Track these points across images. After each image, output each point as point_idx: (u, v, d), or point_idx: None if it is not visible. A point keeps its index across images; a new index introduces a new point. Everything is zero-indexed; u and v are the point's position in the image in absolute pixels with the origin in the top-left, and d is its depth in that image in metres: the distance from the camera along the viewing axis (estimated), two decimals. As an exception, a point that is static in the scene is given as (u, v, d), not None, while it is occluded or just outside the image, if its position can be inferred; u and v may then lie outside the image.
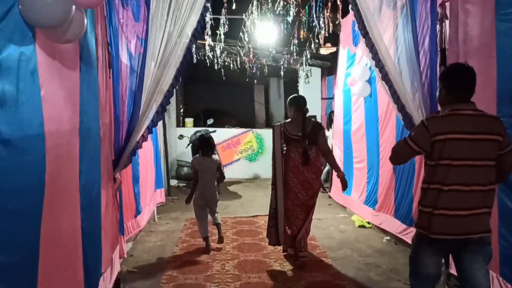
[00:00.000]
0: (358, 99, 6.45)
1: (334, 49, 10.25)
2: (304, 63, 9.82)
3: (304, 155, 4.32)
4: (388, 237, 5.28)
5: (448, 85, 2.48)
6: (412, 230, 3.80)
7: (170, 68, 3.71)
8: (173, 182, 9.36)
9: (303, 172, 4.35)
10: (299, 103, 4.57)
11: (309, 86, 10.48)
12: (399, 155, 2.65)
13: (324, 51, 9.42)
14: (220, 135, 9.96)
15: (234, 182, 9.94)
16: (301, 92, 10.61)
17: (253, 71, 10.37)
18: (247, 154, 10.53)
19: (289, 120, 4.57)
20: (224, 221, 6.30)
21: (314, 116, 9.20)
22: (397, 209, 5.10)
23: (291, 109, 4.56)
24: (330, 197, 8.04)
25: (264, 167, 10.53)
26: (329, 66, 10.63)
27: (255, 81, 15.15)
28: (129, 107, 3.85)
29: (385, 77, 3.74)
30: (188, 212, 6.80)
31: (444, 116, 2.44)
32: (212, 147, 9.09)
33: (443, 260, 2.71)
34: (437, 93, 2.59)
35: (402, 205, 4.97)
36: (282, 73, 10.30)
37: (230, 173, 10.27)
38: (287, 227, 4.44)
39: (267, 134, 10.52)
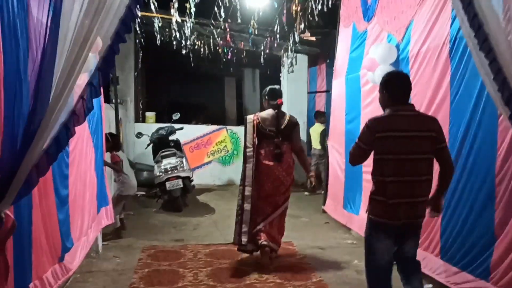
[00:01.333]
0: (373, 90, 4.93)
1: (313, 38, 8.87)
2: (290, 47, 8.26)
3: (275, 151, 4.19)
4: (430, 285, 3.73)
5: (389, 90, 2.82)
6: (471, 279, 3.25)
7: (109, 15, 2.06)
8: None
9: (273, 169, 4.20)
10: (276, 95, 4.40)
11: (294, 77, 8.93)
12: (353, 156, 2.95)
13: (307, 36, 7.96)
14: (187, 133, 8.26)
15: (205, 189, 8.28)
16: (284, 84, 9.06)
17: (228, 57, 8.71)
18: (219, 156, 8.89)
19: (263, 112, 4.38)
20: (195, 250, 4.65)
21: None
22: (444, 246, 3.58)
23: (266, 101, 4.42)
24: (324, 211, 6.53)
25: (240, 172, 8.88)
26: (317, 53, 9.13)
27: (229, 71, 13.71)
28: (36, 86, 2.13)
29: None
30: (146, 236, 5.13)
31: (385, 116, 2.80)
32: (177, 147, 7.48)
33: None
34: (379, 98, 2.92)
35: (453, 239, 3.47)
36: (262, 60, 8.69)
37: (199, 178, 8.61)
38: (251, 226, 4.22)
39: (243, 133, 8.89)
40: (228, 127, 8.97)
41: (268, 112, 4.33)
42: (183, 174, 6.39)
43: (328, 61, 10.21)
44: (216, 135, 8.84)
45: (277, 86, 4.66)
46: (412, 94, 3.97)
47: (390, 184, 2.71)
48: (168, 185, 6.28)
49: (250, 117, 4.38)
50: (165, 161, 6.52)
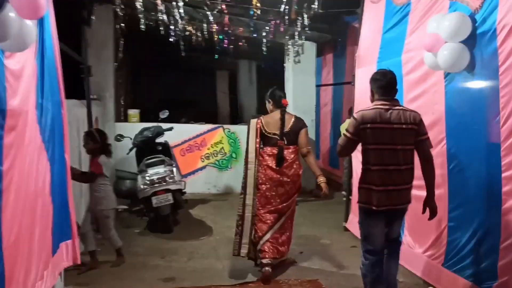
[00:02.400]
0: (426, 78, 3.74)
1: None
2: (298, 34, 7.05)
3: (279, 156, 3.99)
4: None
5: (375, 86, 3.10)
6: None
7: None
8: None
9: (277, 174, 4.01)
10: (280, 96, 4.23)
11: (301, 68, 7.70)
12: (340, 147, 3.15)
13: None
14: (178, 133, 7.00)
15: (199, 200, 7.05)
16: (289, 77, 7.85)
17: (225, 45, 7.47)
18: (215, 160, 7.66)
19: (267, 115, 4.22)
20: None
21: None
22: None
23: (269, 103, 4.26)
24: (346, 229, 5.37)
25: (239, 178, 7.68)
26: (323, 41, 7.94)
27: (222, 63, 12.46)
28: None
29: None
30: (126, 273, 3.91)
31: (370, 109, 3.02)
32: (165, 152, 6.21)
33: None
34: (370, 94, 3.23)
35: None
36: (264, 48, 7.46)
37: (192, 186, 7.38)
38: (253, 236, 4.07)
39: (243, 133, 7.69)
40: (225, 126, 7.72)
41: (272, 116, 4.14)
42: (173, 187, 5.16)
43: (336, 50, 9.09)
44: (211, 136, 7.61)
45: (279, 87, 4.49)
46: (504, 81, 2.80)
47: (374, 172, 2.99)
48: (154, 200, 5.05)
49: (253, 121, 4.23)
50: (151, 171, 5.29)
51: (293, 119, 4.09)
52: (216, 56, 7.69)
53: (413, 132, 2.95)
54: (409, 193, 3.06)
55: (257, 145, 4.11)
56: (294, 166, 4.02)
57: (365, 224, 3.10)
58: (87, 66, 5.12)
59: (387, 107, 2.98)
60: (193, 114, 12.54)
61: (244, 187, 4.11)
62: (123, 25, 6.97)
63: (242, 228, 4.04)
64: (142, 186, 5.16)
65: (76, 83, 5.40)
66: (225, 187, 7.69)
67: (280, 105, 4.13)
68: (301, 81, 7.71)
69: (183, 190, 5.57)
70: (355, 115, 3.06)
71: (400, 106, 3.04)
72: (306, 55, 7.66)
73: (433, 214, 3.06)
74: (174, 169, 5.42)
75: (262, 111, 12.13)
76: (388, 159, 2.94)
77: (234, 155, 7.70)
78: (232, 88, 13.36)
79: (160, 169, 5.29)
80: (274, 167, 3.97)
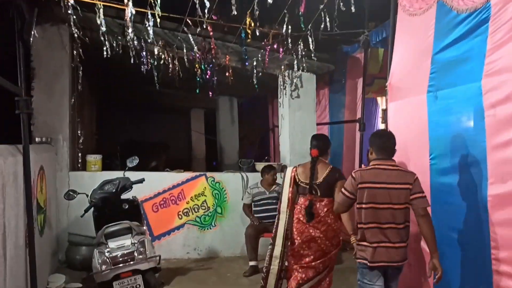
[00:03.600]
0: None
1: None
2: (297, 63, 5.86)
3: (307, 210, 3.73)
4: None
5: (374, 145, 3.20)
6: None
7: None
8: (56, 280, 4.71)
9: (308, 229, 3.77)
10: (311, 144, 3.97)
11: (299, 104, 6.46)
12: (338, 205, 3.28)
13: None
14: (150, 183, 5.50)
15: (175, 270, 5.52)
16: (284, 113, 6.57)
17: (207, 76, 6.17)
18: (196, 217, 6.18)
19: (304, 163, 3.97)
20: None
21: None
22: None
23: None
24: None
25: (226, 238, 6.22)
26: (325, 72, 6.78)
27: (197, 101, 11.20)
28: None
29: None
30: None
31: (367, 169, 3.15)
32: (133, 214, 4.63)
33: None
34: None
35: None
36: (254, 80, 6.21)
37: (167, 250, 5.91)
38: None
39: (230, 182, 6.29)
40: (208, 174, 6.30)
41: (306, 164, 3.92)
42: (144, 266, 3.68)
43: (332, 84, 7.95)
44: (191, 186, 6.16)
45: (322, 135, 4.37)
46: None
47: (369, 230, 3.07)
48: (117, 287, 3.53)
49: (289, 169, 4.02)
50: (112, 244, 3.80)
51: (328, 170, 3.79)
52: (197, 90, 6.32)
53: (408, 191, 3.01)
54: (405, 250, 3.09)
55: (290, 195, 3.88)
56: (328, 221, 3.75)
57: (362, 280, 3.16)
58: (23, 99, 3.65)
59: (383, 166, 3.08)
60: (164, 158, 11.20)
61: (273, 237, 3.96)
62: (80, 50, 5.62)
63: (266, 281, 3.94)
64: (99, 267, 3.64)
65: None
66: (209, 250, 6.19)
67: (317, 153, 3.83)
68: (300, 119, 6.45)
69: (158, 266, 4.08)
70: (353, 174, 3.15)
71: (396, 166, 3.11)
72: (305, 88, 6.44)
73: (435, 271, 2.95)
74: (146, 240, 3.93)
75: (245, 154, 10.97)
76: (383, 217, 3.03)
77: (219, 210, 6.24)
78: (209, 128, 12.07)
79: (126, 241, 3.80)
80: (304, 221, 3.76)
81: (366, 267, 3.09)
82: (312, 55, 5.56)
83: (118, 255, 3.66)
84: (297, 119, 6.43)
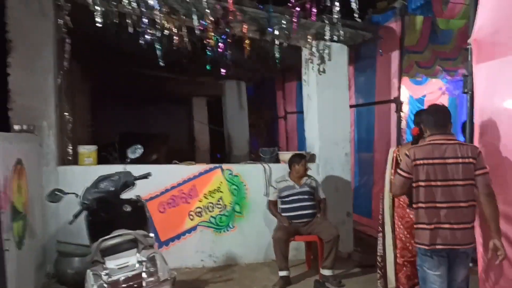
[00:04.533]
0: None
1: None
2: (330, 30, 4.86)
3: (410, 192, 3.20)
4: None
5: (428, 122, 3.01)
6: None
7: None
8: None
9: (409, 214, 3.62)
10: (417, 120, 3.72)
11: (329, 81, 5.46)
12: (394, 186, 3.19)
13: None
14: (154, 179, 4.43)
15: (188, 282, 4.57)
16: (312, 93, 5.58)
17: (221, 49, 5.15)
18: (210, 217, 5.20)
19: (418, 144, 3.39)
20: None
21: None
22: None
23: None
24: None
25: (247, 241, 5.25)
26: (369, 39, 5.77)
27: (199, 87, 10.24)
28: None
29: None
30: None
31: (422, 146, 2.97)
32: (137, 219, 3.35)
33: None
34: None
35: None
36: (276, 54, 5.19)
37: (177, 258, 4.94)
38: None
39: (250, 175, 5.30)
40: (224, 165, 5.29)
41: (409, 144, 3.70)
42: (156, 291, 2.69)
43: (359, 60, 6.97)
44: (205, 181, 5.17)
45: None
46: None
47: (425, 210, 2.88)
48: (121, 323, 2.56)
49: (391, 150, 4.00)
50: (112, 263, 2.79)
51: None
52: (208, 66, 5.30)
53: (471, 166, 2.78)
54: (469, 232, 2.85)
55: (392, 177, 3.67)
56: None
57: (422, 266, 2.96)
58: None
59: (441, 141, 2.89)
60: (165, 151, 10.23)
61: (381, 224, 3.88)
62: (68, 18, 4.61)
63: (385, 270, 3.80)
64: (95, 294, 2.65)
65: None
66: (226, 256, 5.21)
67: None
68: (330, 98, 5.46)
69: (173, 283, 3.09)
70: (407, 151, 3.00)
71: (456, 140, 2.92)
72: (335, 61, 5.44)
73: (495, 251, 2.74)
74: (156, 255, 2.92)
75: (251, 144, 9.97)
76: (441, 196, 2.83)
77: (238, 209, 5.26)
78: (213, 117, 11.11)
79: (131, 259, 2.79)
80: (405, 205, 3.67)
81: (425, 252, 2.90)
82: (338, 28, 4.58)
83: (121, 279, 2.67)
84: (326, 98, 5.44)
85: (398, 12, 5.84)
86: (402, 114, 6.07)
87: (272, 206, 4.87)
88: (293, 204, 4.71)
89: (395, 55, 6.00)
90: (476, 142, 3.00)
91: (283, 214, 4.74)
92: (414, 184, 2.94)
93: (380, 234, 3.85)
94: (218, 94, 9.89)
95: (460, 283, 2.92)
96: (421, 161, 2.87)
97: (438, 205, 2.83)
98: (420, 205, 2.90)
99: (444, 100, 11.78)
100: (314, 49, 5.28)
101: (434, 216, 2.84)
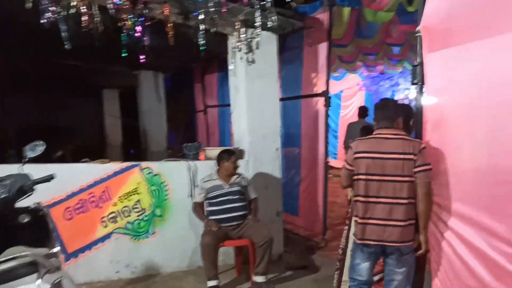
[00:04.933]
0: None
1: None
2: (260, 17, 4.47)
3: None
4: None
5: (375, 115, 3.00)
6: None
7: None
8: None
9: None
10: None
11: (257, 71, 5.10)
12: (341, 178, 3.11)
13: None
14: (59, 181, 3.73)
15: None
16: (239, 84, 5.17)
17: (138, 33, 4.54)
18: (127, 223, 4.60)
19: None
20: None
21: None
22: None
23: None
24: None
25: (169, 248, 4.73)
26: (298, 28, 5.52)
27: (111, 78, 9.39)
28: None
29: None
30: None
31: (366, 138, 2.93)
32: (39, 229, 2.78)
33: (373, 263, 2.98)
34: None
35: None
36: (202, 41, 4.70)
37: (88, 271, 4.32)
38: None
39: (173, 174, 4.77)
40: (143, 164, 4.71)
41: None
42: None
43: (285, 51, 6.70)
44: (120, 182, 4.55)
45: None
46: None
47: (360, 204, 2.88)
48: None
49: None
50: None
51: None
52: (124, 51, 4.66)
53: (411, 162, 2.71)
54: (404, 230, 2.76)
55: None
56: None
57: (352, 255, 3.08)
58: None
59: (386, 135, 2.85)
60: (72, 147, 9.26)
61: (349, 217, 3.63)
62: None
63: (343, 264, 3.65)
64: None
65: None
66: (146, 265, 4.65)
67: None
68: (260, 89, 5.10)
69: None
70: (351, 144, 3.01)
71: (400, 135, 2.83)
72: (264, 51, 5.08)
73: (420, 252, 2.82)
74: (65, 281, 2.33)
75: (168, 140, 9.35)
76: (377, 191, 2.80)
77: (158, 212, 4.72)
78: (127, 110, 10.29)
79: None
80: None
81: (356, 244, 2.96)
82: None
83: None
84: (256, 90, 5.06)
85: (325, 2, 5.65)
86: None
87: (199, 208, 4.40)
88: (222, 206, 4.28)
89: (323, 47, 5.80)
90: (426, 137, 2.79)
91: (211, 217, 4.29)
92: (355, 177, 2.92)
93: (346, 227, 3.70)
94: (132, 85, 9.13)
95: (402, 282, 2.87)
96: (362, 154, 2.86)
97: (373, 199, 2.82)
98: (359, 198, 2.89)
99: (361, 96, 12.12)
100: (242, 37, 4.86)
101: (368, 210, 2.84)
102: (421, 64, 2.84)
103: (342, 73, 9.95)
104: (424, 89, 2.83)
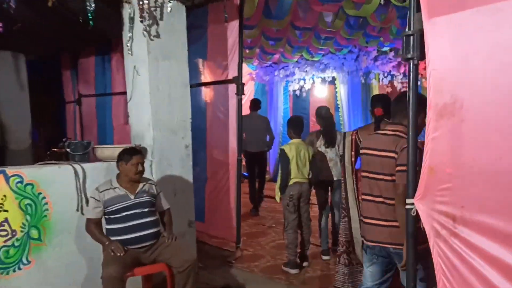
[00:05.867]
0: None
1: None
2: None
3: None
4: None
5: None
6: None
7: None
8: None
9: None
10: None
11: (163, 49, 4.10)
12: None
13: None
14: None
15: None
16: (142, 65, 4.11)
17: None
18: (-12, 252, 3.29)
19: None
20: None
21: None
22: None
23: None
24: None
25: (52, 280, 3.52)
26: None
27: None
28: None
29: None
30: None
31: (371, 134, 2.93)
32: None
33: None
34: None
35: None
36: (90, 7, 3.57)
37: None
38: None
39: (54, 180, 3.55)
40: (9, 169, 3.39)
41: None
42: None
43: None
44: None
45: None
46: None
47: (364, 203, 2.81)
48: None
49: (349, 132, 3.88)
50: None
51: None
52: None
53: (393, 161, 2.55)
54: (389, 231, 2.59)
55: (353, 159, 3.61)
56: None
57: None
58: None
59: (386, 131, 2.72)
60: None
61: (346, 208, 3.62)
62: None
63: (353, 250, 3.60)
64: None
65: None
66: (19, 309, 3.39)
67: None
68: (166, 72, 4.12)
69: None
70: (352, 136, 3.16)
71: (396, 131, 2.64)
72: (170, 24, 4.11)
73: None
74: None
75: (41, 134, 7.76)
76: (374, 189, 2.69)
77: (35, 234, 3.47)
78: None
79: None
80: None
81: (364, 246, 2.80)
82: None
83: None
84: (161, 72, 4.07)
85: None
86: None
87: (94, 227, 3.30)
88: (128, 223, 3.25)
89: (233, 26, 5.04)
90: (429, 127, 2.14)
91: (113, 238, 3.23)
92: (362, 174, 2.85)
93: (345, 219, 3.60)
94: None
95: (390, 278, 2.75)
96: (363, 151, 2.80)
97: (374, 198, 2.71)
98: (363, 196, 2.80)
99: (251, 86, 11.61)
100: (145, 5, 3.82)
101: (370, 210, 2.72)
102: (417, 33, 2.19)
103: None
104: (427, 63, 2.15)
